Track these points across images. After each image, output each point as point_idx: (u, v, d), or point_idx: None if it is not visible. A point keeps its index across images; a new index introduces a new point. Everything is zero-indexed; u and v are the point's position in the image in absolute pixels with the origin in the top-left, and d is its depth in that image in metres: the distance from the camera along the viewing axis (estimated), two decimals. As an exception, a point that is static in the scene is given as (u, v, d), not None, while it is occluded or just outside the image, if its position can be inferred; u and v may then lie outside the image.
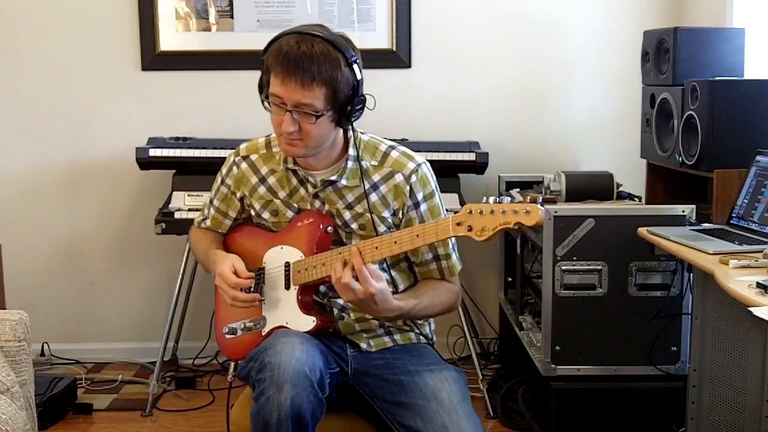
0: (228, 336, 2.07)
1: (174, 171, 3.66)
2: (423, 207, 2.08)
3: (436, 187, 2.11)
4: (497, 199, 1.81)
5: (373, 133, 2.14)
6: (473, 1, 3.83)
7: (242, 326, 2.07)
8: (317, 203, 2.09)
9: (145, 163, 3.58)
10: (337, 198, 2.08)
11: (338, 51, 1.91)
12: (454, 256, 2.12)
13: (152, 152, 3.56)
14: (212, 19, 3.83)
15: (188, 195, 3.54)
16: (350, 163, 2.06)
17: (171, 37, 3.83)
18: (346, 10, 3.80)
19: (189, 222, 3.36)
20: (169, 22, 3.82)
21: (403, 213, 2.07)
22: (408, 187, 2.06)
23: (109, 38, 3.83)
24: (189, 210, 3.47)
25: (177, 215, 3.47)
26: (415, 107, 3.85)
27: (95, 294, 3.98)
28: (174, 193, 3.58)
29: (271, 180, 2.14)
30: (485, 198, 1.82)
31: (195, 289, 3.89)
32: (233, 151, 2.21)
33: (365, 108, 2.01)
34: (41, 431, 3.01)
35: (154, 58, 3.83)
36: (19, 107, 3.87)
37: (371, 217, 2.05)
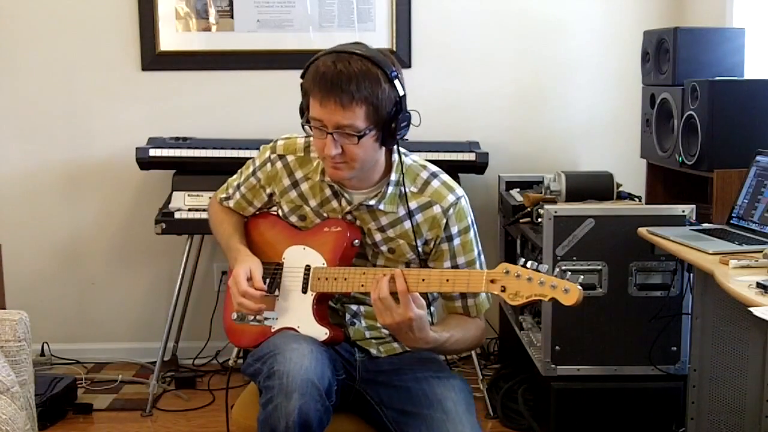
0: (237, 322, 2.07)
1: (174, 171, 3.65)
2: (456, 241, 2.02)
3: (472, 222, 2.05)
4: (534, 264, 1.75)
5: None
6: (473, 1, 3.84)
7: (253, 316, 2.05)
8: (348, 218, 2.05)
9: (145, 163, 3.58)
10: (371, 219, 2.04)
11: (377, 67, 1.85)
12: (483, 295, 2.06)
13: (152, 152, 3.56)
14: (212, 19, 3.83)
15: (188, 195, 3.53)
16: (390, 188, 2.01)
17: (171, 37, 3.83)
18: (346, 10, 3.80)
19: (189, 222, 3.41)
20: (169, 22, 3.82)
21: (435, 243, 2.03)
22: (444, 220, 2.01)
23: (109, 38, 3.83)
24: (189, 210, 3.47)
25: (177, 215, 3.47)
26: (415, 107, 3.82)
27: (95, 294, 3.98)
28: (174, 193, 3.58)
29: (304, 186, 2.09)
30: (522, 260, 1.77)
31: (195, 289, 3.89)
32: (270, 144, 2.14)
33: (410, 125, 1.94)
34: (41, 431, 3.01)
35: (154, 58, 3.83)
36: (19, 107, 3.87)
37: (406, 243, 2.02)
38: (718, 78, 2.90)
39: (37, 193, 3.91)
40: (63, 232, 3.94)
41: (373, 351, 2.10)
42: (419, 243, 2.02)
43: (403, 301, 1.82)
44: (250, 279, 2.03)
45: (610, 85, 3.87)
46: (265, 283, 2.05)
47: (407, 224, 2.02)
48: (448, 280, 1.85)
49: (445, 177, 2.06)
